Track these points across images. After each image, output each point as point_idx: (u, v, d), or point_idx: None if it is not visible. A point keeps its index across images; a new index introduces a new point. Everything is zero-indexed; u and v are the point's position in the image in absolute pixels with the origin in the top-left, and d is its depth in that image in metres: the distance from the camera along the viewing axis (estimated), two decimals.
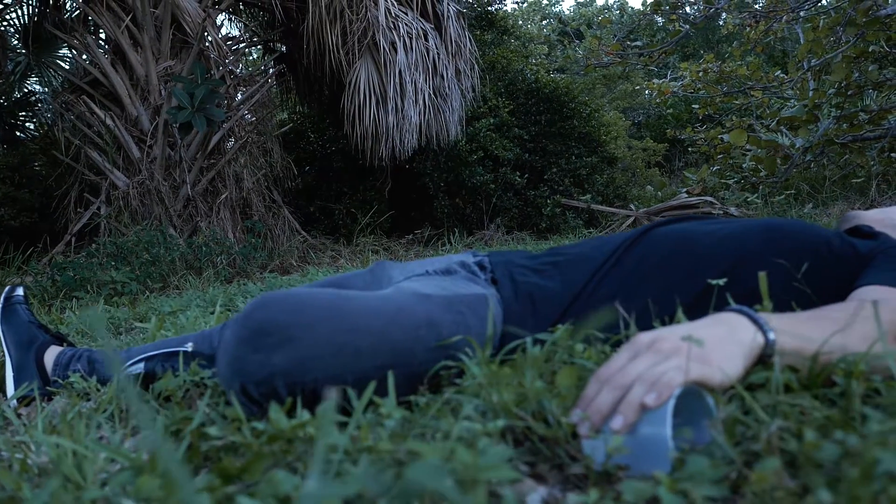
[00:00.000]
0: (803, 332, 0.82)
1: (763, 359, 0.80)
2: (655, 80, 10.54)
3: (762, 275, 1.03)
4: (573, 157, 7.01)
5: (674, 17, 6.34)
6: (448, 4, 5.88)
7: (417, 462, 0.48)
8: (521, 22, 19.82)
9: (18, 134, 7.75)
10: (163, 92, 5.36)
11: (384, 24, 5.38)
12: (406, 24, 5.54)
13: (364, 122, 5.53)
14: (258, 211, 5.82)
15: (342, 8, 5.48)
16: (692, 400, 0.74)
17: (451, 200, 6.75)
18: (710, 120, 10.87)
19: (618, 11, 20.49)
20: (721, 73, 8.06)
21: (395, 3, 5.64)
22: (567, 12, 22.21)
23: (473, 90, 6.19)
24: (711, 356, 0.75)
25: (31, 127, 7.88)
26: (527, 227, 6.81)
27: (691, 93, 8.24)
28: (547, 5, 22.77)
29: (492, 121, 6.72)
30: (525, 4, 20.84)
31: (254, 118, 6.25)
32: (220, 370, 0.95)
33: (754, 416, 0.72)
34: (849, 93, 6.18)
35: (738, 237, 1.22)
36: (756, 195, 6.46)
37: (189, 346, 1.34)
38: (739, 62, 8.27)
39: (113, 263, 4.47)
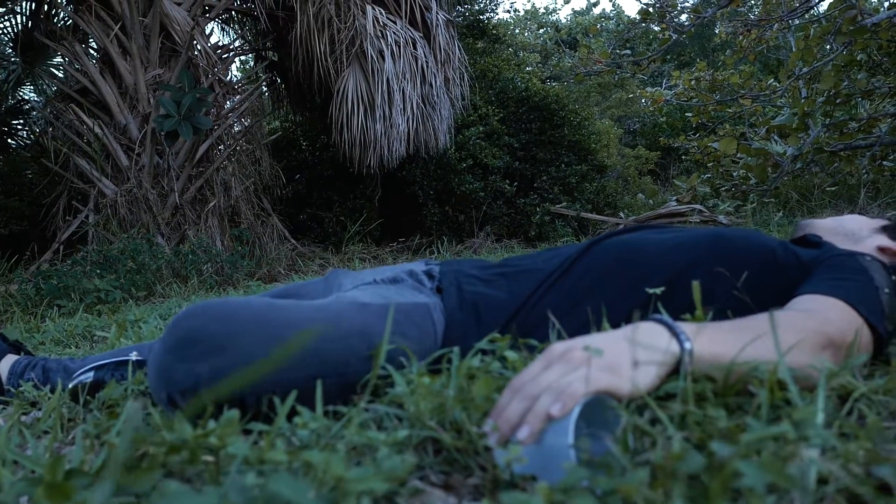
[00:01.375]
0: (722, 341, 0.82)
1: (682, 368, 0.79)
2: (648, 89, 10.59)
3: (696, 284, 1.03)
4: (563, 166, 7.02)
5: (663, 25, 6.35)
6: (437, 13, 5.90)
7: (279, 474, 0.48)
8: (517, 30, 19.89)
9: (10, 142, 7.76)
10: (151, 100, 5.37)
11: (372, 33, 5.40)
12: (394, 33, 5.56)
13: (352, 131, 5.54)
14: (247, 219, 5.82)
15: (330, 17, 5.50)
16: (608, 410, 0.74)
17: (440, 208, 6.76)
18: (704, 128, 10.91)
19: (613, 20, 20.54)
20: (713, 82, 8.09)
21: (383, 12, 5.66)
22: (564, 21, 22.26)
23: (463, 98, 6.20)
24: (622, 366, 0.75)
25: (24, 135, 7.89)
26: (516, 235, 6.81)
27: (685, 101, 8.26)
28: (544, 14, 22.85)
29: (481, 129, 6.73)
30: (521, 13, 20.92)
31: (243, 126, 6.26)
32: (149, 379, 0.95)
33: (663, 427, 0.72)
34: (837, 101, 6.19)
35: (684, 247, 1.22)
36: (745, 203, 6.46)
37: (134, 355, 1.34)
38: (732, 70, 8.30)
39: (98, 271, 4.47)
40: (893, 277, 1.17)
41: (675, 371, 0.80)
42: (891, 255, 1.31)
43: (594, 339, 0.79)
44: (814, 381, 0.82)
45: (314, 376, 0.95)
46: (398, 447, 0.79)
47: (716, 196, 7.01)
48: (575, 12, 23.23)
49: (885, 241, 1.34)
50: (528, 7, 23.37)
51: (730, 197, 6.95)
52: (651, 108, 11.87)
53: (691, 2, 6.95)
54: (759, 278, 1.17)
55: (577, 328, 1.12)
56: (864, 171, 6.63)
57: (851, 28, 5.16)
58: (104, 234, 5.19)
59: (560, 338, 1.08)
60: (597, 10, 22.67)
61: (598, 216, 6.40)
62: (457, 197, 6.66)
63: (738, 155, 7.14)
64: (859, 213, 5.79)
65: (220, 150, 5.82)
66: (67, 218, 5.64)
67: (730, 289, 1.15)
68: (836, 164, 6.56)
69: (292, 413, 0.85)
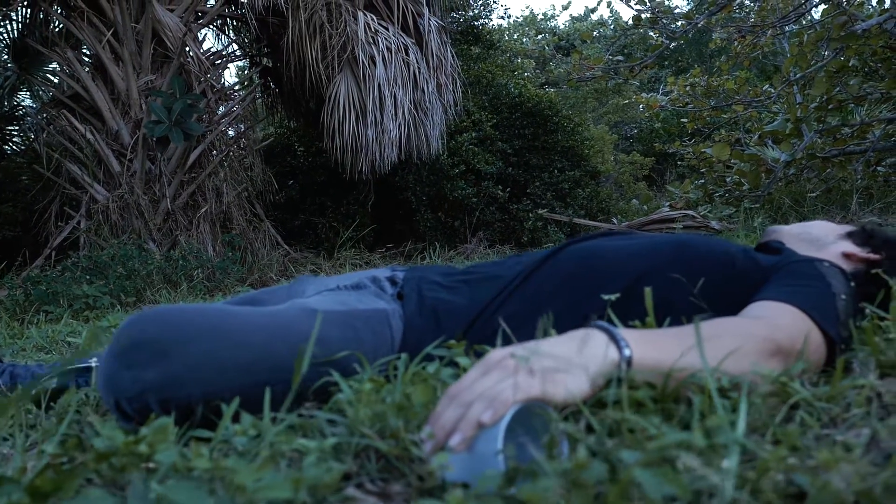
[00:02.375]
0: (664, 348, 0.82)
1: (621, 374, 0.79)
2: (644, 94, 10.61)
3: (647, 290, 1.03)
4: (556, 171, 7.03)
5: (656, 31, 6.37)
6: (429, 19, 5.91)
7: (179, 482, 0.47)
8: (516, 36, 19.94)
9: (5, 147, 7.77)
10: (143, 106, 5.38)
11: (363, 39, 5.41)
12: (386, 39, 5.57)
13: (344, 136, 5.55)
14: (239, 225, 5.82)
15: (322, 23, 5.51)
16: (545, 417, 0.74)
17: (433, 214, 6.76)
18: (700, 134, 10.92)
19: (612, 27, 20.58)
20: (709, 87, 8.11)
21: (375, 19, 5.67)
22: (562, 27, 22.31)
23: (455, 104, 6.21)
24: (558, 373, 0.75)
25: (18, 141, 7.90)
26: (509, 240, 6.82)
27: (680, 107, 8.28)
28: (542, 20, 22.90)
29: (474, 134, 6.74)
30: (518, 19, 20.96)
31: (236, 132, 6.27)
32: (98, 386, 0.95)
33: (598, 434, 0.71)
34: (830, 107, 6.20)
35: (644, 254, 1.22)
36: (736, 210, 6.46)
37: (94, 361, 1.34)
38: (727, 76, 8.32)
39: (87, 277, 4.47)
40: (852, 283, 1.17)
41: (612, 378, 0.80)
42: (855, 261, 1.31)
43: (533, 346, 0.79)
44: (759, 388, 0.82)
45: (264, 383, 0.94)
46: (336, 454, 0.79)
47: (709, 202, 7.01)
48: (573, 18, 23.29)
49: (849, 247, 1.34)
50: (526, 13, 23.42)
51: (723, 203, 6.95)
52: (646, 114, 11.89)
53: (685, 7, 6.96)
54: (720, 285, 1.17)
55: (537, 335, 1.12)
56: (858, 176, 6.64)
57: (842, 34, 5.16)
58: (95, 240, 5.19)
59: (510, 344, 1.08)
60: (595, 16, 22.70)
61: (590, 222, 6.41)
62: (449, 203, 6.66)
63: (732, 161, 7.15)
64: (852, 219, 5.79)
65: (212, 155, 5.83)
66: (59, 224, 5.65)
67: (690, 296, 1.15)
68: (828, 170, 6.57)
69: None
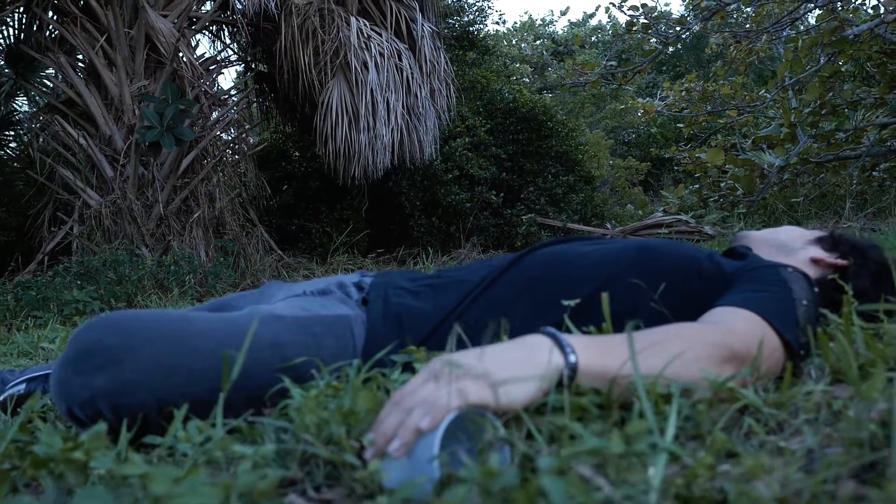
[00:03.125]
0: (612, 354, 0.82)
1: (565, 381, 0.79)
2: (640, 100, 10.63)
3: (604, 296, 1.03)
4: (550, 177, 7.03)
5: (649, 36, 6.38)
6: (422, 25, 5.92)
7: (88, 489, 0.47)
8: (515, 41, 19.97)
9: (0, 153, 7.78)
10: (136, 111, 5.39)
11: (356, 44, 5.42)
12: (378, 44, 5.58)
13: (336, 142, 5.55)
14: (232, 230, 5.82)
15: (314, 28, 5.52)
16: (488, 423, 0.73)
17: (427, 219, 6.76)
18: (696, 139, 10.93)
19: (610, 31, 20.61)
20: (704, 93, 8.12)
21: (368, 24, 5.68)
22: (561, 32, 22.35)
23: (449, 110, 6.21)
24: (500, 379, 0.75)
25: (14, 146, 7.91)
26: (503, 245, 6.81)
27: (676, 112, 8.29)
28: (541, 25, 22.95)
29: (468, 140, 6.75)
30: (516, 24, 21.01)
31: (230, 137, 6.28)
32: (51, 391, 0.95)
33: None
34: (823, 112, 6.21)
35: (609, 260, 1.22)
36: (732, 214, 6.46)
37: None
38: (722, 81, 8.33)
39: (78, 283, 4.47)
40: (816, 289, 1.16)
41: (558, 384, 0.79)
42: (823, 267, 1.31)
43: (477, 353, 0.79)
44: (714, 393, 0.82)
45: (217, 389, 0.94)
46: (281, 461, 0.79)
47: (704, 207, 7.02)
48: (571, 24, 23.35)
49: (818, 252, 1.34)
50: (525, 19, 23.47)
51: (718, 208, 6.96)
52: (643, 119, 11.91)
53: (678, 13, 6.97)
54: (684, 290, 1.17)
55: (495, 341, 1.12)
56: (853, 181, 6.64)
57: (833, 39, 5.17)
58: (88, 246, 5.19)
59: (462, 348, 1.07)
60: (593, 22, 22.76)
61: (584, 227, 6.41)
62: (443, 208, 6.66)
63: (727, 166, 7.16)
64: (845, 224, 5.78)
65: (205, 161, 5.84)
66: (53, 229, 5.65)
67: (651, 301, 1.14)
68: (822, 175, 6.57)
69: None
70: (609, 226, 6.50)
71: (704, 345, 0.88)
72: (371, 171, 5.65)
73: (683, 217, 6.00)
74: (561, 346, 0.80)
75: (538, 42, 20.45)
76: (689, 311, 1.09)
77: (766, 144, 7.30)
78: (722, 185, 7.14)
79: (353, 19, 5.56)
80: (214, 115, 6.00)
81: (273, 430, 0.84)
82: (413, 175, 6.64)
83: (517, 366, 0.77)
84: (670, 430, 0.61)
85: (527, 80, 13.41)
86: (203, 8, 6.53)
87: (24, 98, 7.86)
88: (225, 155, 5.95)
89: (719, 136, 9.67)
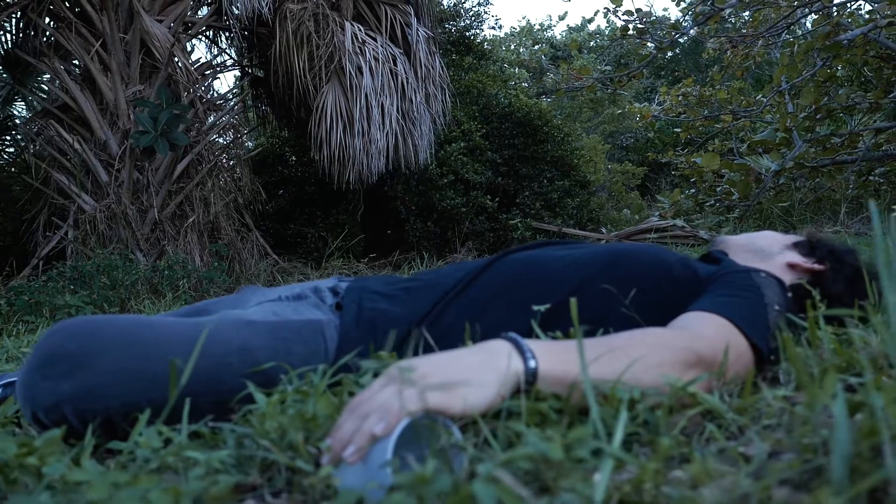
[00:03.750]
0: (573, 359, 0.82)
1: (525, 386, 0.79)
2: (637, 104, 10.63)
3: (573, 301, 1.02)
4: (545, 181, 7.03)
5: (644, 42, 6.39)
6: (417, 30, 5.93)
7: (21, 495, 0.47)
8: (513, 46, 20.00)
9: None
10: (131, 116, 5.39)
11: (350, 49, 5.43)
12: (373, 49, 5.59)
13: (331, 146, 5.55)
14: (227, 235, 5.82)
15: (309, 33, 5.53)
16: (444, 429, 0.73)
17: (422, 224, 6.76)
18: (692, 143, 10.93)
19: (608, 36, 20.63)
20: (701, 97, 8.12)
21: (363, 29, 5.69)
22: (559, 37, 22.38)
23: (444, 115, 6.22)
24: (458, 384, 0.74)
25: (12, 151, 7.92)
26: (498, 250, 6.81)
27: (674, 116, 8.30)
28: (539, 30, 22.98)
29: (463, 144, 6.75)
30: (515, 29, 21.05)
31: (226, 142, 6.29)
32: (17, 396, 0.95)
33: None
34: (818, 116, 6.21)
35: (582, 264, 1.21)
36: (728, 219, 6.46)
37: None
38: (719, 86, 8.34)
39: (72, 287, 4.47)
40: (789, 294, 1.16)
41: (518, 389, 0.79)
42: (800, 272, 1.31)
43: (436, 358, 0.79)
44: (677, 398, 0.82)
45: (186, 394, 0.94)
46: (241, 467, 0.79)
47: (699, 211, 7.01)
48: (570, 28, 23.38)
49: (795, 257, 1.34)
50: (523, 23, 23.52)
51: (714, 212, 6.96)
52: (640, 124, 11.92)
53: (676, 18, 6.98)
54: (657, 294, 1.16)
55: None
56: (850, 186, 6.64)
57: (827, 44, 5.18)
58: (83, 250, 5.19)
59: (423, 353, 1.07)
60: (592, 27, 22.77)
61: (579, 231, 6.41)
62: (438, 212, 6.66)
63: (723, 170, 7.15)
64: (840, 228, 5.78)
65: (200, 166, 5.84)
66: (48, 234, 5.65)
67: (630, 304, 1.14)
68: (818, 179, 6.57)
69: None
70: (604, 230, 6.50)
71: (669, 349, 0.88)
72: (366, 176, 5.66)
73: (678, 222, 5.99)
74: (521, 352, 0.80)
75: (536, 47, 20.48)
76: (662, 315, 1.08)
77: (761, 149, 7.30)
78: (718, 189, 7.14)
79: (347, 24, 5.57)
80: (210, 119, 6.01)
81: (235, 436, 0.84)
82: (408, 179, 6.65)
83: (476, 371, 0.77)
84: (618, 436, 0.61)
85: (526, 84, 13.43)
86: (199, 13, 6.55)
87: (23, 103, 7.88)
88: (220, 160, 5.95)
89: (717, 141, 9.67)
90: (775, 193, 6.78)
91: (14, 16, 6.05)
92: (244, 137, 6.89)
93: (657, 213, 6.93)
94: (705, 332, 0.95)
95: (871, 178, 6.65)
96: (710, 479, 0.58)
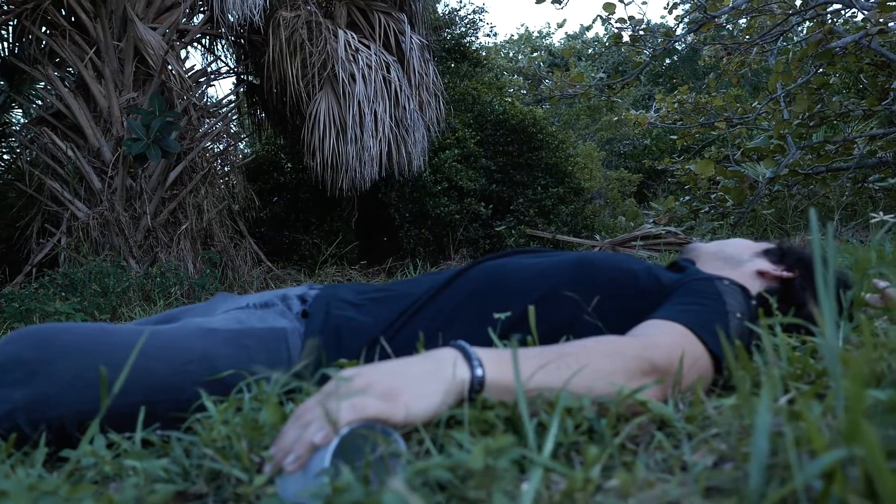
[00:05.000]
0: (522, 367, 0.81)
1: (472, 394, 0.79)
2: (633, 111, 10.65)
3: (531, 308, 1.03)
4: (539, 188, 7.04)
5: (639, 50, 6.40)
6: (411, 37, 5.95)
7: None
8: (511, 53, 20.05)
9: None
10: (125, 123, 5.40)
11: (343, 57, 5.44)
12: (367, 57, 5.60)
13: (324, 153, 5.56)
14: (220, 241, 5.82)
15: (302, 41, 5.55)
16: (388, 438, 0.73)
17: (416, 231, 6.77)
18: (689, 150, 10.95)
19: (607, 43, 20.67)
20: (696, 105, 8.14)
21: (356, 37, 5.71)
22: (557, 44, 22.44)
23: (438, 122, 6.23)
24: (401, 393, 0.74)
25: (7, 158, 7.93)
26: None
27: (670, 124, 8.31)
28: (538, 37, 23.06)
29: (457, 151, 6.76)
30: (513, 36, 21.09)
31: (220, 149, 6.30)
32: None
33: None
34: (811, 123, 6.22)
35: (549, 272, 1.22)
36: (722, 225, 6.46)
37: None
38: (714, 93, 8.35)
39: (63, 294, 4.47)
40: (754, 302, 1.16)
41: (465, 398, 0.79)
42: (769, 279, 1.31)
43: (383, 366, 0.79)
44: (627, 406, 0.82)
45: (144, 402, 0.94)
46: (187, 476, 0.79)
47: (694, 218, 7.01)
48: (568, 36, 23.44)
49: (764, 264, 1.34)
50: (522, 31, 23.60)
51: (708, 219, 6.96)
52: (636, 131, 11.95)
53: (672, 25, 6.99)
54: (623, 303, 1.16)
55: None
56: (846, 193, 6.65)
57: (819, 51, 5.19)
58: (76, 257, 5.19)
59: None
60: (590, 34, 22.83)
61: (573, 238, 6.41)
62: (432, 219, 6.67)
63: (718, 177, 7.16)
64: (834, 235, 5.78)
65: (194, 173, 5.85)
66: (41, 241, 5.66)
67: (595, 313, 1.14)
68: (811, 186, 6.58)
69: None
70: (598, 237, 6.50)
71: (622, 358, 0.87)
72: (359, 183, 5.66)
73: (672, 228, 6.00)
74: (469, 360, 0.80)
75: (535, 54, 20.53)
76: (627, 324, 1.08)
77: (756, 156, 7.31)
78: (712, 196, 7.14)
79: (340, 32, 5.59)
80: (203, 127, 6.02)
81: (183, 444, 0.83)
82: (402, 187, 6.65)
83: (421, 379, 0.76)
84: (548, 445, 0.61)
85: (524, 91, 13.45)
86: (195, 20, 6.56)
87: (20, 110, 7.90)
88: (214, 167, 5.96)
89: (713, 148, 9.69)
90: (770, 200, 6.78)
91: (11, 23, 6.07)
92: (239, 144, 6.90)
93: (651, 220, 6.94)
94: (661, 340, 0.95)
95: (866, 184, 6.66)
96: (640, 487, 0.58)
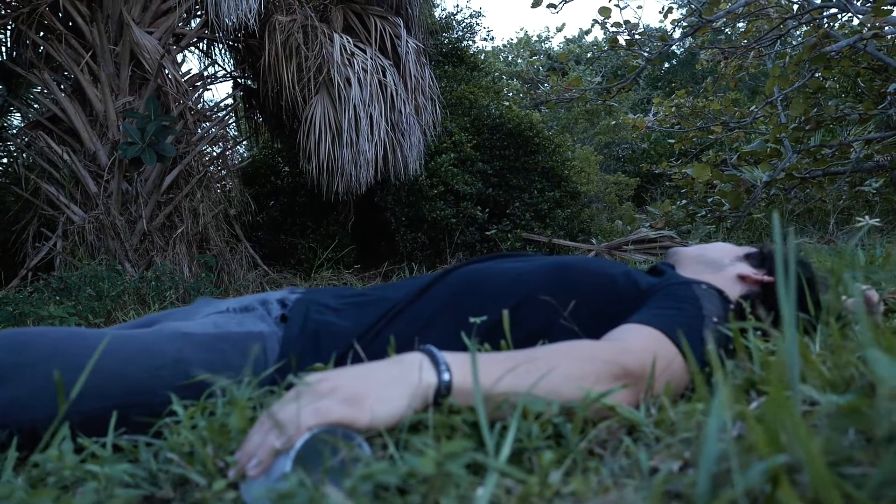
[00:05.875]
0: (490, 372, 0.81)
1: (438, 399, 0.78)
2: (631, 115, 10.66)
3: (505, 312, 1.03)
4: (535, 192, 7.04)
5: (635, 54, 6.41)
6: (407, 41, 5.96)
7: None
8: (511, 57, 20.08)
9: None
10: (121, 127, 5.41)
11: (339, 61, 5.45)
12: (362, 61, 5.61)
13: (320, 157, 5.57)
14: (216, 245, 5.82)
15: (298, 45, 5.56)
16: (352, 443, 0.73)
17: (413, 235, 6.77)
18: (687, 154, 10.95)
19: (606, 48, 20.69)
20: (693, 109, 8.15)
21: (352, 41, 5.71)
22: (557, 48, 22.47)
23: (434, 126, 6.23)
24: (367, 397, 0.74)
25: (4, 162, 7.93)
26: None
27: (668, 128, 8.32)
28: (537, 42, 23.10)
29: (453, 156, 6.76)
30: (513, 40, 21.12)
31: (216, 153, 6.30)
32: None
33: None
34: (807, 127, 6.22)
35: (527, 277, 1.22)
36: (717, 230, 6.46)
37: None
38: (711, 97, 8.36)
39: (57, 298, 4.47)
40: (731, 307, 1.16)
41: (432, 403, 0.79)
42: (750, 283, 1.31)
43: (350, 371, 0.79)
44: (595, 411, 0.82)
45: (117, 406, 0.94)
46: (154, 481, 0.78)
47: (691, 222, 7.01)
48: (567, 40, 23.47)
49: (745, 269, 1.34)
50: (521, 35, 23.67)
51: (705, 223, 6.96)
52: (634, 135, 11.96)
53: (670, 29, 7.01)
54: (602, 307, 1.16)
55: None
56: (843, 196, 6.65)
57: (813, 55, 5.20)
58: (71, 261, 5.19)
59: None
60: (589, 38, 22.85)
61: (569, 242, 6.41)
62: (429, 223, 6.67)
63: (715, 181, 7.16)
64: (830, 239, 5.78)
65: (190, 177, 5.85)
66: (37, 245, 5.66)
67: (572, 317, 1.14)
68: (807, 190, 6.58)
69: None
70: (594, 241, 6.50)
71: (592, 362, 0.87)
72: (354, 187, 5.67)
73: (668, 232, 6.00)
74: (436, 364, 0.80)
75: (534, 58, 20.55)
76: (605, 328, 1.08)
77: (753, 159, 7.31)
78: (709, 200, 7.14)
79: (336, 36, 5.60)
80: (199, 130, 6.02)
81: (153, 449, 0.83)
82: (398, 191, 6.66)
83: (387, 384, 0.76)
84: (505, 449, 0.61)
85: (522, 95, 13.46)
86: (192, 24, 6.57)
87: (19, 114, 7.91)
88: (209, 171, 5.96)
89: (711, 152, 9.69)
90: (767, 204, 6.78)
91: (8, 28, 6.08)
92: (235, 148, 6.91)
93: (648, 224, 6.94)
94: (634, 345, 0.95)
95: (863, 188, 6.66)
96: (596, 492, 0.58)
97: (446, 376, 0.78)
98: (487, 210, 6.86)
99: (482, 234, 6.86)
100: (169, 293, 4.88)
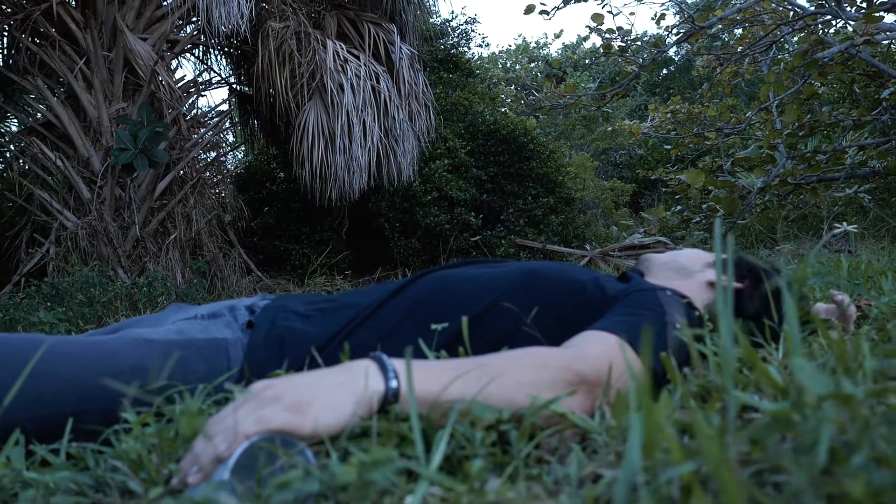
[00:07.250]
0: (440, 379, 0.81)
1: (384, 405, 0.78)
2: (627, 121, 10.68)
3: (464, 319, 1.02)
4: (530, 198, 7.04)
5: (628, 61, 6.42)
6: (401, 48, 5.97)
7: None
8: (509, 64, 20.12)
9: None
10: (114, 133, 5.42)
11: (332, 67, 5.46)
12: (356, 67, 5.62)
13: (313, 163, 5.57)
14: (210, 251, 5.82)
15: (291, 51, 5.57)
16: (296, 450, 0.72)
17: (407, 240, 6.77)
18: (683, 160, 10.96)
19: (602, 54, 20.70)
20: (690, 115, 8.16)
21: (345, 47, 5.73)
22: (555, 55, 22.51)
23: (428, 132, 6.24)
24: (312, 404, 0.74)
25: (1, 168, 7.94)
26: None
27: (664, 134, 8.33)
28: (535, 48, 23.13)
29: (447, 161, 6.77)
30: (509, 47, 21.17)
31: (210, 159, 6.31)
32: None
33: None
34: (801, 133, 6.23)
35: (495, 283, 1.21)
36: (711, 236, 6.46)
37: None
38: (707, 103, 8.37)
39: (48, 304, 4.47)
40: (697, 313, 1.16)
41: (379, 410, 0.78)
42: None
43: (297, 378, 0.78)
44: (547, 418, 0.81)
45: (73, 412, 0.94)
46: (99, 488, 0.78)
47: (685, 228, 7.02)
48: (565, 46, 23.50)
49: (714, 275, 1.33)
50: (519, 41, 23.73)
51: (699, 228, 6.96)
52: (630, 141, 11.98)
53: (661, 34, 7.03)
54: (570, 313, 1.16)
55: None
56: (838, 203, 6.66)
57: (806, 62, 5.21)
58: (64, 267, 5.19)
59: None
60: (587, 44, 22.89)
61: (563, 248, 6.41)
62: (423, 229, 6.67)
63: (710, 186, 7.16)
64: (826, 245, 5.78)
65: (184, 183, 5.86)
66: (30, 250, 5.66)
67: (540, 324, 1.14)
68: (802, 196, 6.58)
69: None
70: (588, 247, 6.50)
71: (546, 369, 0.87)
72: (347, 193, 5.67)
73: (662, 238, 6.00)
74: (384, 371, 0.79)
75: (532, 64, 20.59)
76: (572, 334, 1.08)
77: (747, 166, 7.32)
78: (703, 206, 7.14)
79: (329, 42, 5.61)
80: (193, 136, 6.03)
81: (101, 457, 0.83)
82: (392, 197, 6.66)
83: (333, 391, 0.76)
84: (437, 457, 0.60)
85: (522, 101, 13.48)
86: (186, 29, 6.58)
87: (16, 120, 7.92)
88: (203, 177, 5.97)
89: (707, 158, 9.70)
90: (761, 210, 6.78)
91: (4, 34, 6.10)
92: (229, 154, 6.92)
93: (642, 230, 6.94)
94: (590, 351, 0.94)
95: (859, 193, 6.66)
96: (525, 501, 0.58)
97: (394, 383, 0.78)
98: (481, 216, 6.86)
99: (476, 239, 6.86)
100: (161, 299, 4.88)
